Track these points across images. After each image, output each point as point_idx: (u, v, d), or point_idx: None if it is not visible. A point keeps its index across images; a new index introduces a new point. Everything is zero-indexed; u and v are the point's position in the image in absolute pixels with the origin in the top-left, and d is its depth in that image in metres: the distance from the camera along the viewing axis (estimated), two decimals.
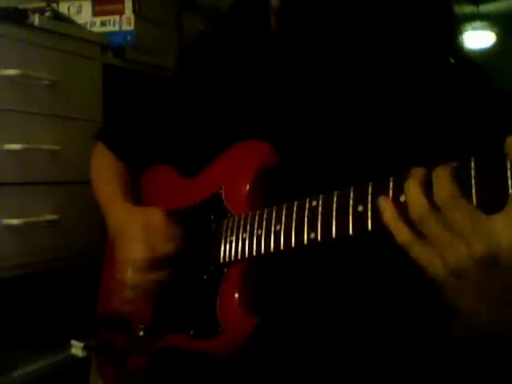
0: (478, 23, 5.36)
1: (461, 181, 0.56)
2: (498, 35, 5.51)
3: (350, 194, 0.68)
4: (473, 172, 0.56)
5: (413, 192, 0.59)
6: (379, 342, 0.83)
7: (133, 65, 1.76)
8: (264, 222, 0.78)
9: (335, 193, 0.70)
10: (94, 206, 1.10)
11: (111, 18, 1.81)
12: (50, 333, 1.49)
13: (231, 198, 0.86)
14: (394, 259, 0.79)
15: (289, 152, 0.82)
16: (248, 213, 0.81)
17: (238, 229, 0.82)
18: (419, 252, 0.61)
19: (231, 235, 0.83)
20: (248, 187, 0.84)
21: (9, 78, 1.35)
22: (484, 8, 5.27)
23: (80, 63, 1.56)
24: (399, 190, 0.62)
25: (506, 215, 0.55)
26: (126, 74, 1.75)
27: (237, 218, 0.83)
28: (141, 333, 0.95)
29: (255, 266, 0.82)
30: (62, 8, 1.82)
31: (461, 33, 0.88)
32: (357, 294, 0.83)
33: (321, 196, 0.72)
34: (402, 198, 0.62)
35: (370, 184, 0.66)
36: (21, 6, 1.44)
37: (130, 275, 0.90)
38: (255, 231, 0.79)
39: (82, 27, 1.73)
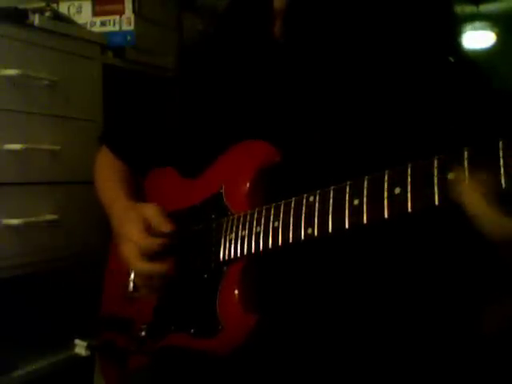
0: (478, 23, 5.36)
1: None
2: (498, 35, 5.51)
3: (345, 189, 0.68)
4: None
5: None
6: (380, 338, 0.83)
7: (133, 65, 1.77)
8: (263, 219, 0.79)
9: (332, 188, 0.71)
10: (94, 206, 1.10)
11: (111, 18, 1.81)
12: (50, 333, 1.49)
13: (231, 197, 0.86)
14: (393, 256, 0.79)
15: (289, 151, 0.83)
16: (247, 211, 0.82)
17: (238, 227, 0.82)
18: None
19: (231, 233, 0.83)
20: (248, 186, 0.84)
21: (9, 78, 1.35)
22: (484, 8, 5.27)
23: (80, 63, 1.56)
24: (394, 183, 0.63)
25: None
26: (126, 74, 1.75)
27: (236, 217, 0.83)
28: (143, 333, 0.95)
29: (255, 264, 0.82)
30: (62, 8, 1.82)
31: (461, 32, 0.88)
32: (356, 291, 0.83)
33: (318, 191, 0.72)
34: (397, 191, 0.62)
35: (366, 178, 0.66)
36: (21, 6, 1.44)
37: (133, 265, 0.90)
38: (254, 228, 0.79)
39: (82, 27, 1.73)
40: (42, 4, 1.57)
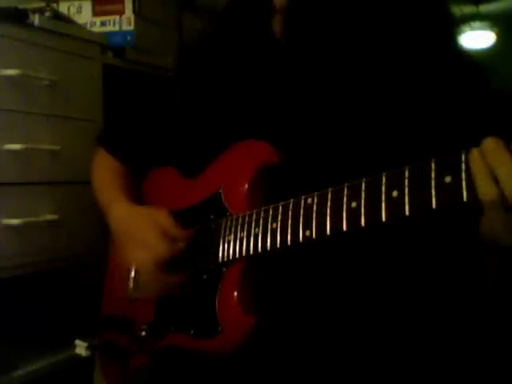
0: (477, 23, 5.36)
1: None
2: (498, 35, 5.51)
3: (343, 191, 0.68)
4: None
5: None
6: (378, 338, 0.83)
7: (133, 65, 1.77)
8: (261, 221, 0.79)
9: (329, 190, 0.70)
10: (94, 206, 1.10)
11: (111, 18, 1.81)
12: (50, 333, 1.49)
13: (230, 198, 0.86)
14: (391, 257, 0.79)
15: (289, 151, 0.83)
16: (246, 212, 0.82)
17: (236, 228, 0.82)
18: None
19: (229, 234, 0.83)
20: (247, 186, 0.84)
21: (9, 77, 1.35)
22: (484, 8, 5.27)
23: (80, 63, 1.56)
24: (392, 186, 0.63)
25: None
26: (126, 74, 1.75)
27: (235, 217, 0.83)
28: (143, 333, 0.95)
29: (254, 265, 0.82)
30: (62, 8, 1.82)
31: (459, 33, 0.88)
32: (354, 292, 0.83)
33: (316, 193, 0.72)
34: (394, 194, 0.63)
35: (364, 180, 0.66)
36: (21, 6, 1.44)
37: (141, 277, 0.90)
38: (252, 230, 0.79)
39: (82, 27, 1.73)
40: (42, 4, 1.57)
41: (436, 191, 0.59)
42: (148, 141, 1.09)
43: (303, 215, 0.73)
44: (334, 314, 0.84)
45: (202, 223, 0.90)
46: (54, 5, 1.73)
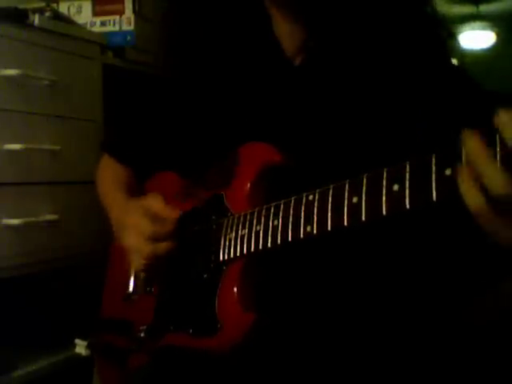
0: (477, 23, 5.37)
1: None
2: (498, 35, 5.52)
3: (345, 187, 0.69)
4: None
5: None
6: (377, 335, 0.83)
7: (133, 65, 1.77)
8: (262, 218, 0.79)
9: (331, 186, 0.71)
10: (94, 206, 1.10)
11: (111, 18, 1.81)
12: (50, 333, 1.49)
13: (232, 198, 0.86)
14: (391, 254, 0.80)
15: (291, 153, 0.83)
16: (247, 210, 0.82)
17: (238, 226, 0.82)
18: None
19: (231, 233, 0.83)
20: (248, 187, 0.84)
21: (9, 78, 1.35)
22: (484, 8, 5.28)
23: (80, 63, 1.56)
24: (393, 180, 0.63)
25: None
26: (126, 74, 1.75)
27: (236, 216, 0.83)
28: (142, 334, 0.95)
29: (254, 263, 0.82)
30: (62, 8, 1.82)
31: (452, 47, 0.90)
32: (354, 289, 0.84)
33: (317, 190, 0.73)
34: (395, 187, 0.63)
35: (365, 176, 0.67)
36: (21, 6, 1.44)
37: (137, 248, 0.89)
38: (254, 227, 0.79)
39: (81, 27, 1.73)
40: (42, 4, 1.57)
41: (436, 183, 0.60)
42: (149, 143, 1.09)
43: (304, 211, 0.73)
44: (333, 312, 0.84)
45: (203, 224, 0.90)
46: (54, 5, 1.74)
